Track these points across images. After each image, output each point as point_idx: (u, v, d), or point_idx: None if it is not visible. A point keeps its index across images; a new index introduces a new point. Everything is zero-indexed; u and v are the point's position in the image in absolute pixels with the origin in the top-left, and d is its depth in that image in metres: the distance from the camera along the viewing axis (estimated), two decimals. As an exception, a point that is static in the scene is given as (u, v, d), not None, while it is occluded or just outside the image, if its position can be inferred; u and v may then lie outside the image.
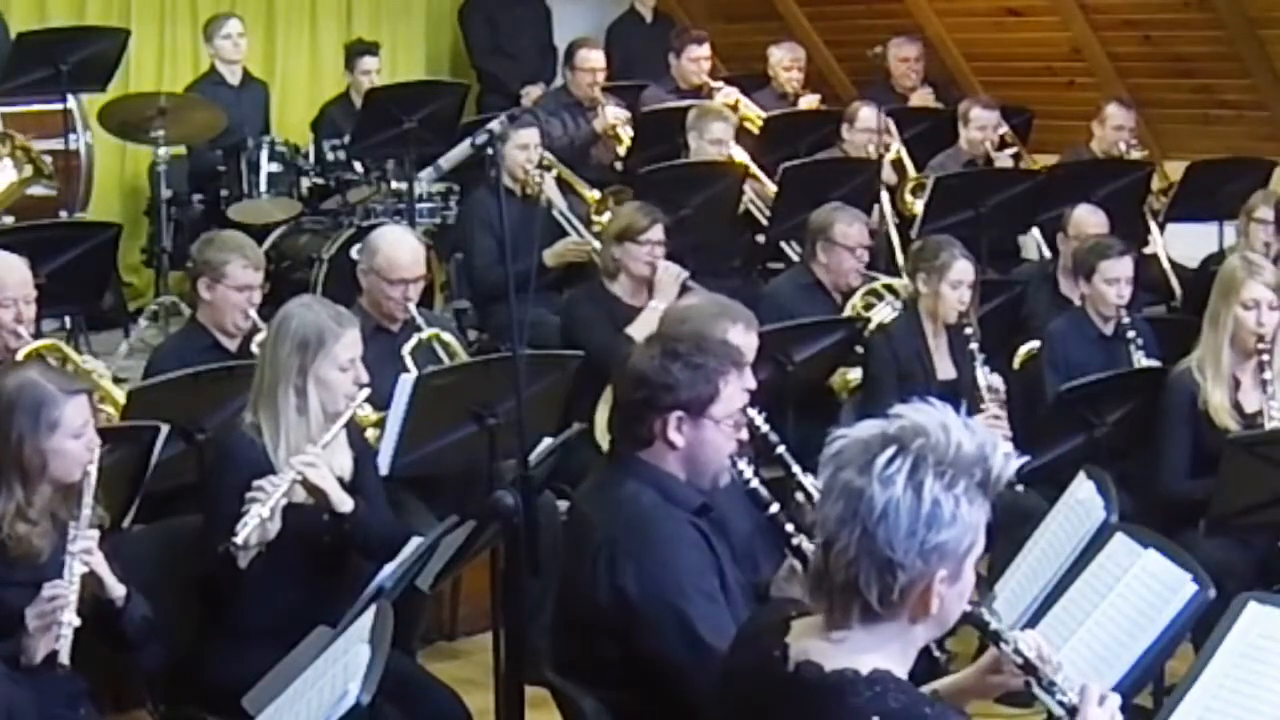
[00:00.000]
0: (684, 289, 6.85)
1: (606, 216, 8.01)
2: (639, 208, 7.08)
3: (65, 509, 4.00)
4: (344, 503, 4.53)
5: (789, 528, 4.08)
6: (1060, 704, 2.93)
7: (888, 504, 2.59)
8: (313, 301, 4.85)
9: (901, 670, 2.72)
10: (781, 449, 4.55)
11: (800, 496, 4.49)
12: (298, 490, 4.45)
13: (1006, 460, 2.69)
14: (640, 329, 6.47)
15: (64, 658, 3.78)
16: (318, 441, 4.50)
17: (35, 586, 3.85)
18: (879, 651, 2.70)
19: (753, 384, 4.42)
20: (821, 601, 2.74)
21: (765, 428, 4.56)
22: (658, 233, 6.87)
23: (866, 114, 9.00)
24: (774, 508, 4.10)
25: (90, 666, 3.92)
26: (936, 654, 3.34)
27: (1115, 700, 2.94)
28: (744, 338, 4.46)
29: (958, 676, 3.18)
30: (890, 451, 2.62)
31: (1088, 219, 7.32)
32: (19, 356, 5.39)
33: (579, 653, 3.83)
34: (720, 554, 3.84)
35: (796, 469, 4.51)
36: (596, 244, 7.77)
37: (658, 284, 6.85)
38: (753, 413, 4.51)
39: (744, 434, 3.97)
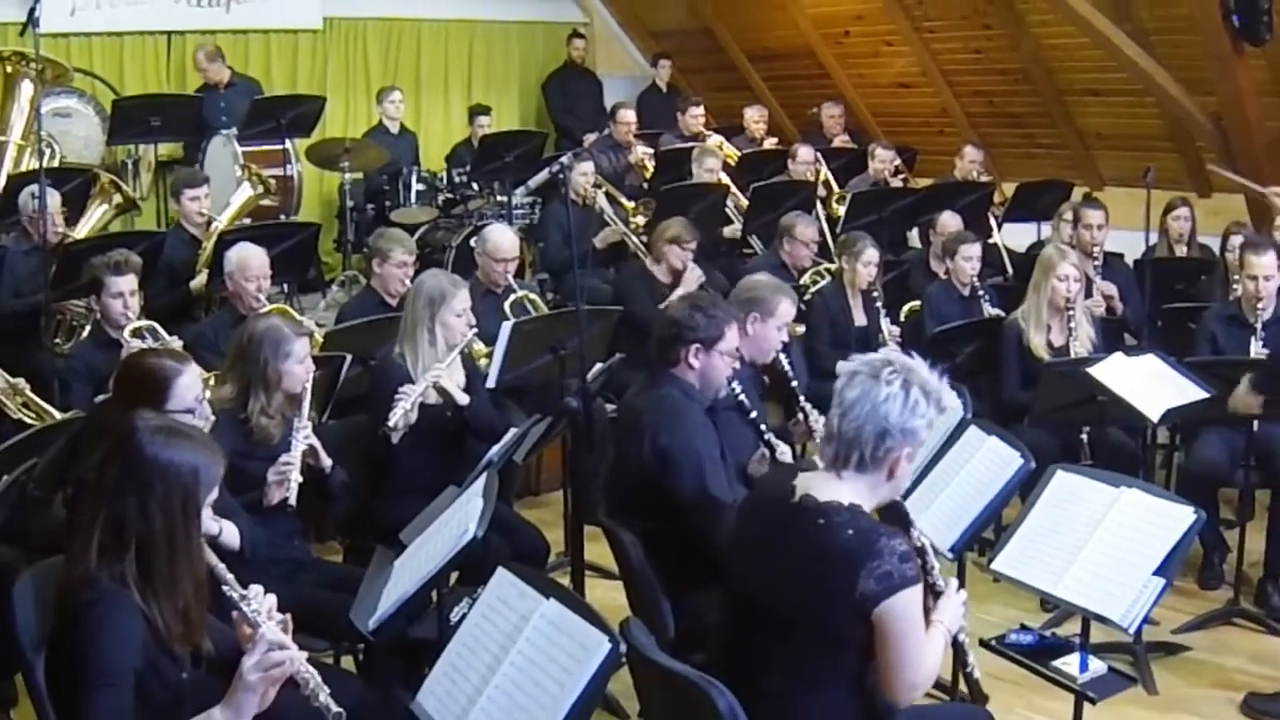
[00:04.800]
0: (701, 287, 6.62)
1: (640, 218, 7.94)
2: (686, 225, 6.74)
3: (290, 410, 3.97)
4: (462, 398, 4.52)
5: (763, 427, 4.11)
6: (932, 586, 3.00)
7: (889, 393, 2.73)
8: (438, 272, 4.82)
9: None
10: (795, 382, 4.48)
11: (800, 415, 4.45)
12: (431, 393, 4.44)
13: (950, 394, 2.85)
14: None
15: (292, 500, 3.78)
16: (443, 362, 4.49)
17: (269, 460, 3.84)
18: (855, 494, 2.75)
19: (786, 338, 4.40)
20: (829, 450, 2.79)
21: (791, 371, 4.50)
22: (693, 244, 6.68)
23: (805, 152, 8.93)
24: (754, 414, 4.10)
25: (301, 512, 3.89)
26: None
27: (963, 595, 2.98)
28: (789, 308, 4.43)
29: None
30: (891, 368, 2.77)
31: (949, 220, 7.25)
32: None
33: (623, 502, 3.79)
34: (721, 438, 3.81)
35: (802, 399, 4.47)
36: (626, 230, 7.77)
37: (684, 280, 6.62)
38: (782, 358, 4.46)
39: (737, 364, 3.93)
